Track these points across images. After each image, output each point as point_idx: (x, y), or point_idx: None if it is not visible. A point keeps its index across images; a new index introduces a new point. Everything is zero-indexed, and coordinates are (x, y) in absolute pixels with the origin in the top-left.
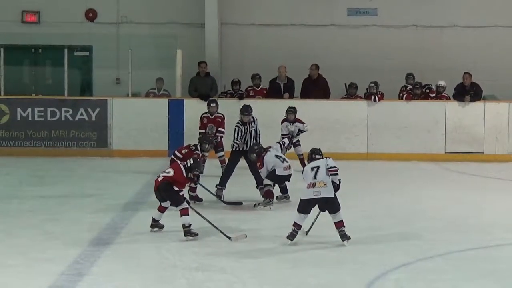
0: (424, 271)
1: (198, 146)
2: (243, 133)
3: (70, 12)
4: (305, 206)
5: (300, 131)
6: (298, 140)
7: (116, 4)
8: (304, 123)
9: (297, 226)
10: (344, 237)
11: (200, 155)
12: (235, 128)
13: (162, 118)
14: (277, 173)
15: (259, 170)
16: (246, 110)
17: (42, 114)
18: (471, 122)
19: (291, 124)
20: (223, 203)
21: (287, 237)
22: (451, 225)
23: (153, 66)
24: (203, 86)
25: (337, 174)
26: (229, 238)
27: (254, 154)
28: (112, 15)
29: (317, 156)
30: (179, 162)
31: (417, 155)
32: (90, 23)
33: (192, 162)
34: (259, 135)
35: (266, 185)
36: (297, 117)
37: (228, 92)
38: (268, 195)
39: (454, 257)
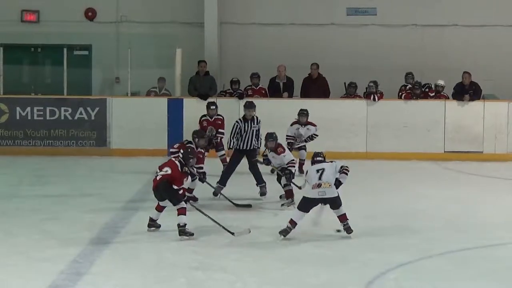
0: (423, 271)
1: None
2: (242, 131)
3: (70, 11)
4: (307, 205)
5: (314, 135)
6: (304, 145)
7: (116, 3)
8: (316, 126)
9: (293, 223)
10: (349, 230)
11: (194, 148)
12: (234, 124)
13: (162, 117)
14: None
15: (282, 155)
16: (250, 104)
17: (42, 113)
18: (470, 121)
19: (303, 126)
20: (225, 202)
21: (280, 232)
22: (450, 224)
23: (152, 65)
24: (202, 85)
25: (347, 172)
26: (233, 233)
27: (274, 141)
28: (111, 14)
29: (319, 159)
30: (173, 158)
31: (417, 154)
32: (89, 22)
33: (183, 152)
34: (260, 137)
35: (286, 185)
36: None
37: (227, 91)
38: (289, 195)
39: (454, 256)
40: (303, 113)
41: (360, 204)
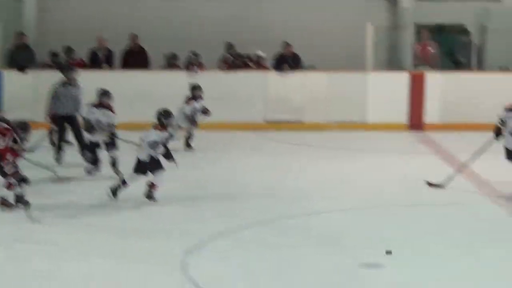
0: (243, 239)
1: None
2: (60, 94)
3: None
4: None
5: (205, 109)
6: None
7: None
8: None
9: (124, 183)
10: (149, 197)
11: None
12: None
13: None
14: None
15: (114, 115)
16: (67, 67)
17: None
18: (291, 91)
19: (197, 101)
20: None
21: (110, 188)
22: (269, 193)
23: None
24: (21, 57)
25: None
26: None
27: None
28: None
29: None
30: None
31: (238, 124)
32: None
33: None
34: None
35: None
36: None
37: (47, 64)
38: (94, 162)
39: (274, 225)
40: (198, 87)
41: (180, 175)
